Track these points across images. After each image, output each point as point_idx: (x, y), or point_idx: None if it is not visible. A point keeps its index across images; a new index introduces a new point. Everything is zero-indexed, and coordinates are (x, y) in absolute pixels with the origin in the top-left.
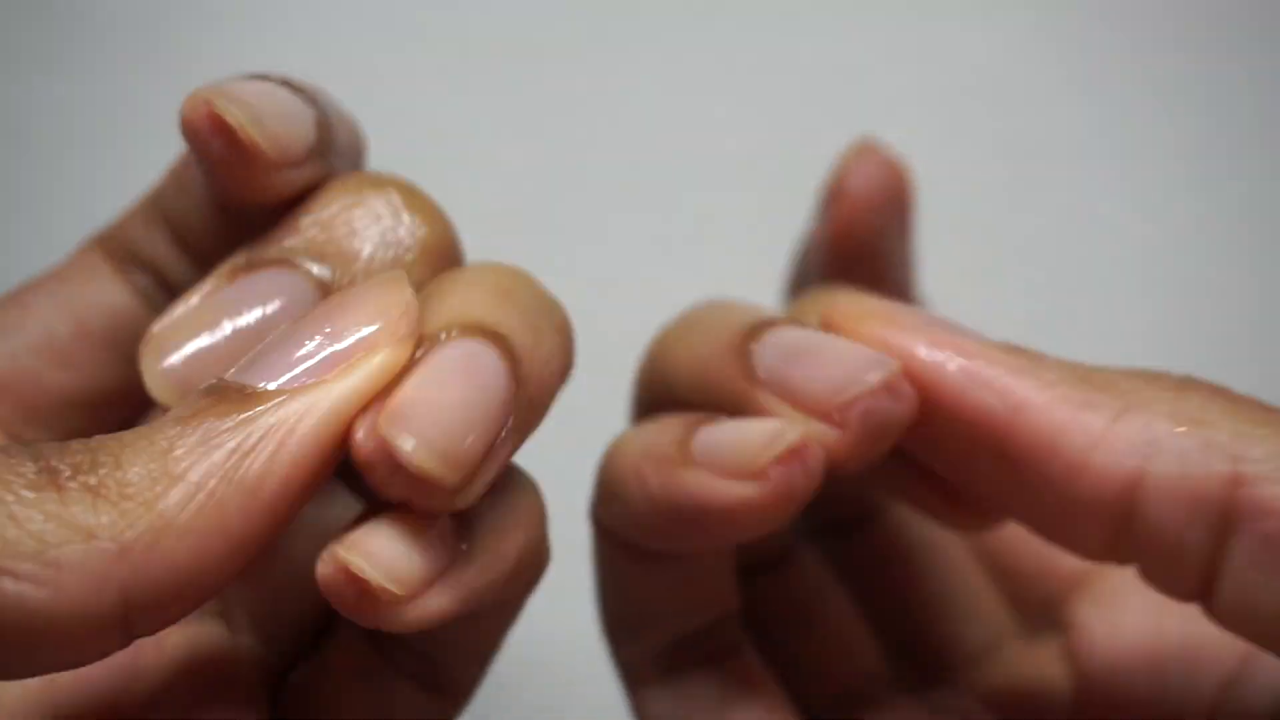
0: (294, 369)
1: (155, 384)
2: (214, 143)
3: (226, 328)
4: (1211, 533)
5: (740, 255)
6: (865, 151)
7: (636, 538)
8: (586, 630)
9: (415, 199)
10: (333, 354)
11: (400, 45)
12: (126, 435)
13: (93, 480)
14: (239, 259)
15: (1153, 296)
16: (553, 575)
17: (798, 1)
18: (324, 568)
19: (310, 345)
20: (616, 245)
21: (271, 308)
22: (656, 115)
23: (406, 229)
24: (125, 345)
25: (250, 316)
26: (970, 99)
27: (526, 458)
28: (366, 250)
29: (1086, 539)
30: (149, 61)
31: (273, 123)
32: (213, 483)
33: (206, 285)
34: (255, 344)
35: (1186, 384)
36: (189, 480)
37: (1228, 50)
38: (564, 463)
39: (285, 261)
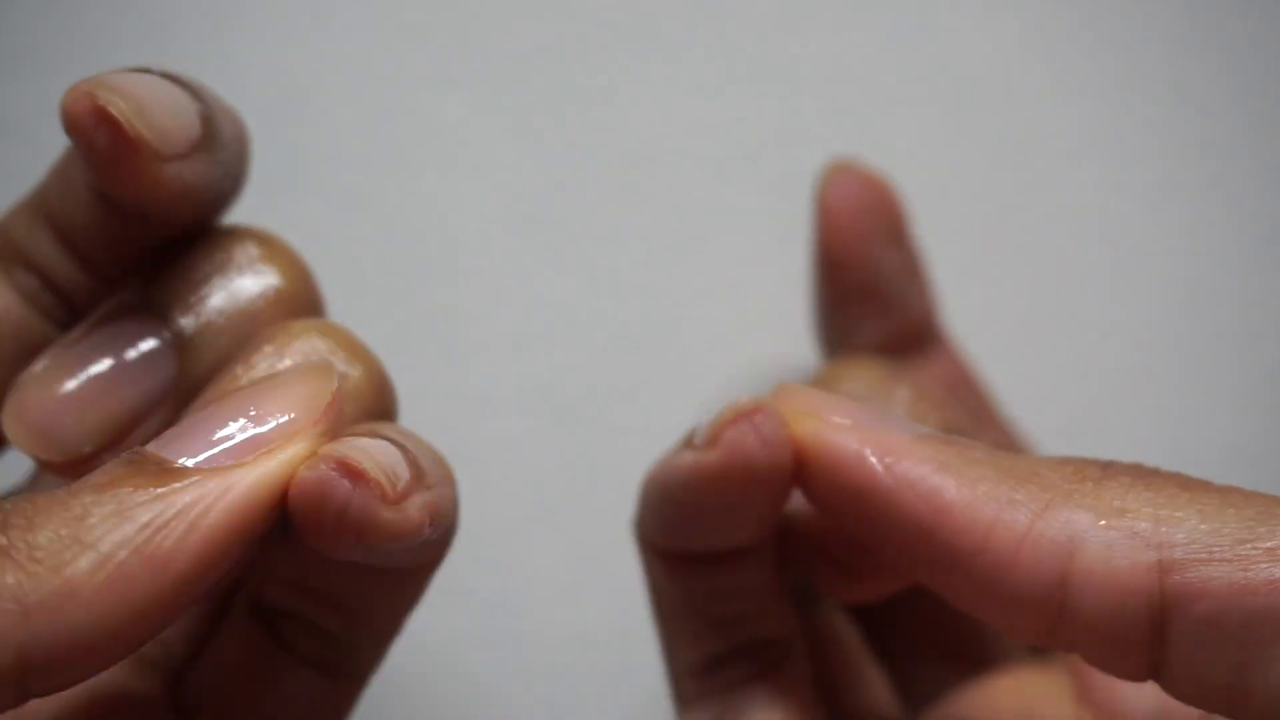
0: (214, 448)
1: (13, 433)
2: (98, 135)
3: (82, 376)
4: (1148, 622)
5: (739, 255)
6: (840, 169)
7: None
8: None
9: (272, 249)
10: (254, 438)
11: (400, 44)
12: (41, 498)
13: (3, 540)
14: (102, 309)
15: (1153, 296)
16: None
17: (798, 1)
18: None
19: (233, 426)
20: (617, 245)
21: (129, 354)
22: (656, 115)
23: (260, 279)
24: (6, 347)
25: (105, 363)
26: (970, 99)
27: (536, 449)
28: (219, 300)
29: (1023, 629)
30: (149, 62)
31: (157, 115)
32: (123, 554)
33: (71, 335)
34: (112, 392)
35: (1108, 471)
36: (99, 549)
37: (1228, 50)
38: (570, 456)
39: (143, 309)
